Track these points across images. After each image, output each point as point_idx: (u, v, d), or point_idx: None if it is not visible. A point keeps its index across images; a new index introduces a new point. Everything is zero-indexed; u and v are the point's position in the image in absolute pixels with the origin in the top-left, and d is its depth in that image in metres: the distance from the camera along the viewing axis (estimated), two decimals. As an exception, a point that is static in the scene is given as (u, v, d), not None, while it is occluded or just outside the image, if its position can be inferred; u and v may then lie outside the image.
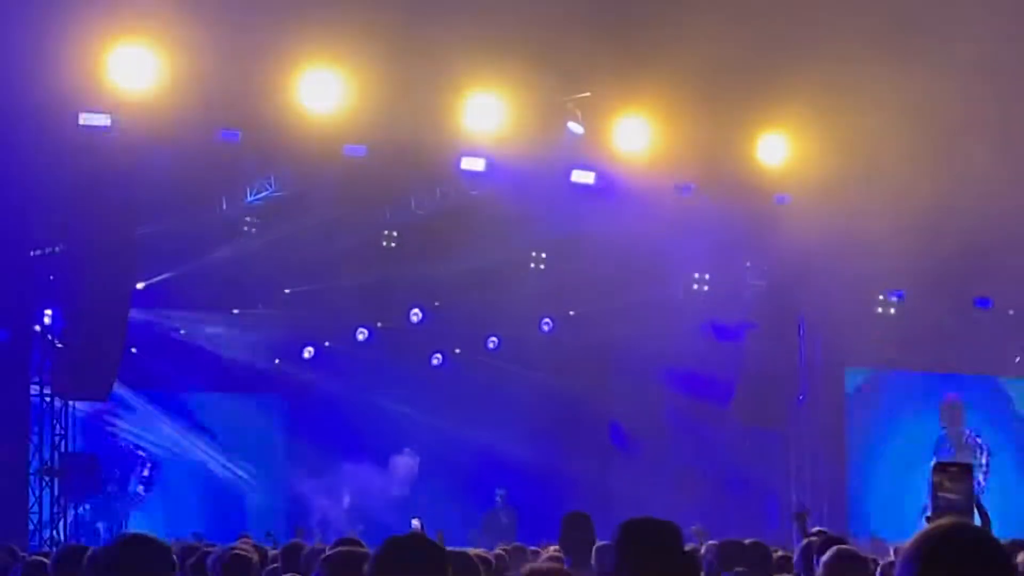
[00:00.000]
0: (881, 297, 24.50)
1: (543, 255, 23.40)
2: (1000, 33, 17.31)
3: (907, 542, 3.08)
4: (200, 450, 23.60)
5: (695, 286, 23.74)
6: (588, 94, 18.98)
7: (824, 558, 4.56)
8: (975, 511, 7.04)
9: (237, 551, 7.24)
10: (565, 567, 6.82)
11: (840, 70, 18.25)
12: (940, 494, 6.77)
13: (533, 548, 11.16)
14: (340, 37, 17.31)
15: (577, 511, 7.38)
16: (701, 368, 23.56)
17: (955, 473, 6.83)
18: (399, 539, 3.53)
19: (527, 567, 4.21)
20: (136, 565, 4.04)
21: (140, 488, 22.96)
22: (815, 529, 11.38)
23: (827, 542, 7.04)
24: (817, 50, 17.69)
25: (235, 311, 23.06)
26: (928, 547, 2.96)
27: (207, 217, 20.39)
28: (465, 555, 7.28)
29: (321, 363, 24.12)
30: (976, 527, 3.18)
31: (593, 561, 8.23)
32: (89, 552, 5.17)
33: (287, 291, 22.92)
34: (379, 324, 24.33)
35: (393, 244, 22.37)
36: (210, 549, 8.20)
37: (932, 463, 7.08)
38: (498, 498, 23.20)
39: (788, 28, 17.59)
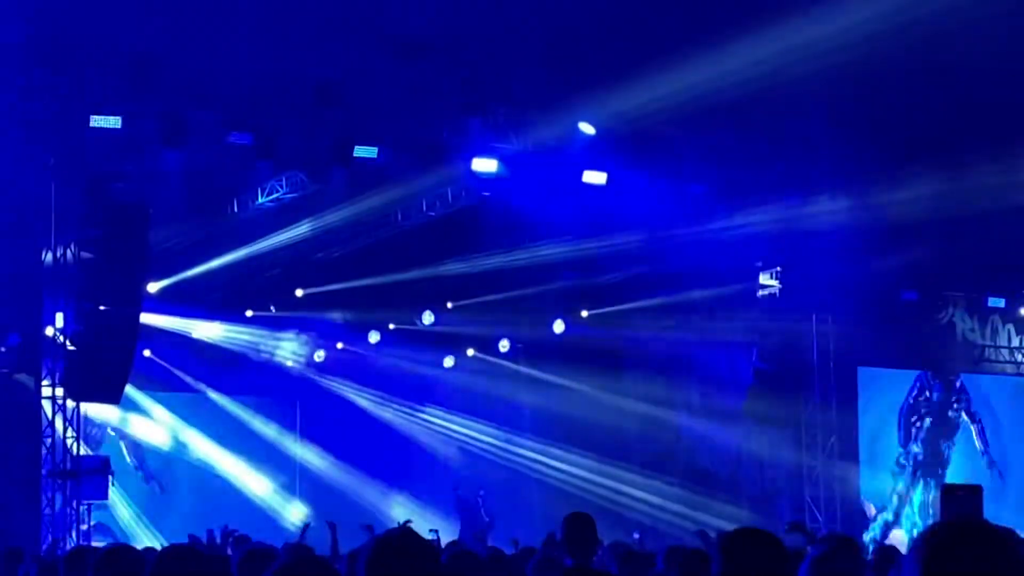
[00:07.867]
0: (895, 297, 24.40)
1: (555, 257, 23.33)
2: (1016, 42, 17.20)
3: (917, 535, 3.05)
4: (208, 452, 23.57)
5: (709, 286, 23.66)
6: (600, 94, 18.92)
7: (813, 552, 4.55)
8: None
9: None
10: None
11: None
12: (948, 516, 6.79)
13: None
14: (353, 38, 17.29)
15: (580, 512, 7.30)
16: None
17: (963, 496, 6.82)
18: (389, 539, 3.47)
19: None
20: None
21: None
22: (825, 533, 11.29)
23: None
24: (831, 55, 17.59)
25: (248, 313, 23.00)
26: (937, 539, 2.92)
27: (219, 219, 20.37)
28: (473, 556, 7.25)
29: (334, 366, 24.07)
30: (986, 522, 3.14)
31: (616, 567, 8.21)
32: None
33: (299, 294, 22.85)
34: (391, 326, 24.28)
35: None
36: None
37: (942, 485, 7.07)
38: (479, 499, 23.08)
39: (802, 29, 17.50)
